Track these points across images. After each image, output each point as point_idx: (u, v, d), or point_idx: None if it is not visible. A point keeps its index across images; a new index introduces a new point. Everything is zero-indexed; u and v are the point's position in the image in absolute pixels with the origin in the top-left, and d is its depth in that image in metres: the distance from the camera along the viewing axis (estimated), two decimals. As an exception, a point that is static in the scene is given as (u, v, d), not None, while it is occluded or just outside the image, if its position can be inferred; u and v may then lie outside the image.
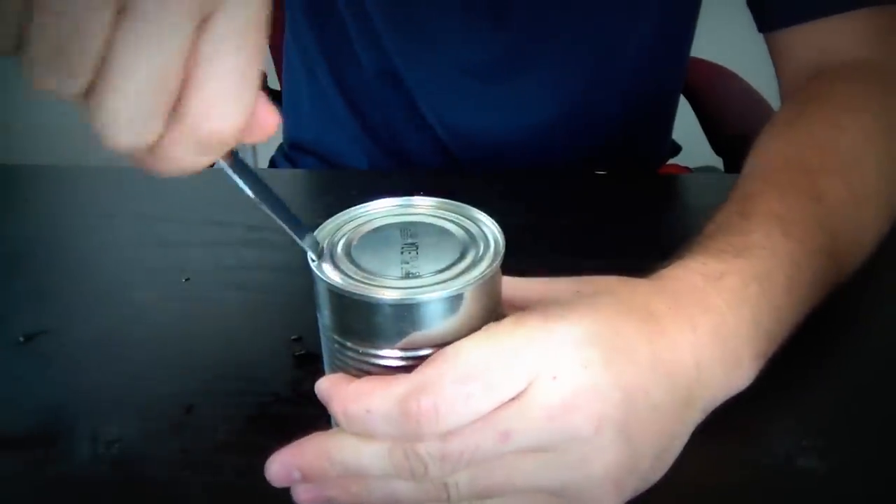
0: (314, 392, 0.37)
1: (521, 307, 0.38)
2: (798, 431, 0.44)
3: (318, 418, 0.38)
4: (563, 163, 0.83)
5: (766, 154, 0.56)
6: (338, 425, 0.37)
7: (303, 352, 0.51)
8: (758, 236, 0.46)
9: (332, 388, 0.36)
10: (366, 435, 0.36)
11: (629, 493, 0.38)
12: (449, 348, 0.35)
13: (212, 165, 0.35)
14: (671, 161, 0.99)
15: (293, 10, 0.87)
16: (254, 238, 0.64)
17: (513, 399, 0.35)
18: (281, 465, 0.37)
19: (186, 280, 0.59)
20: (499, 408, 0.35)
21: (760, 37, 0.71)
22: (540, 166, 0.83)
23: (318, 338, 0.39)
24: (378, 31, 0.78)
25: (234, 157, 0.36)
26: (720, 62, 1.10)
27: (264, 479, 0.37)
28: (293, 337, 0.53)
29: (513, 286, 0.40)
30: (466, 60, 0.78)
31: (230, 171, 0.35)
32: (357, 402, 0.35)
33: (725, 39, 1.17)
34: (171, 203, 0.70)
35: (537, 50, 0.77)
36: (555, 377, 0.35)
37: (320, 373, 0.40)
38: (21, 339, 0.54)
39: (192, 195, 0.71)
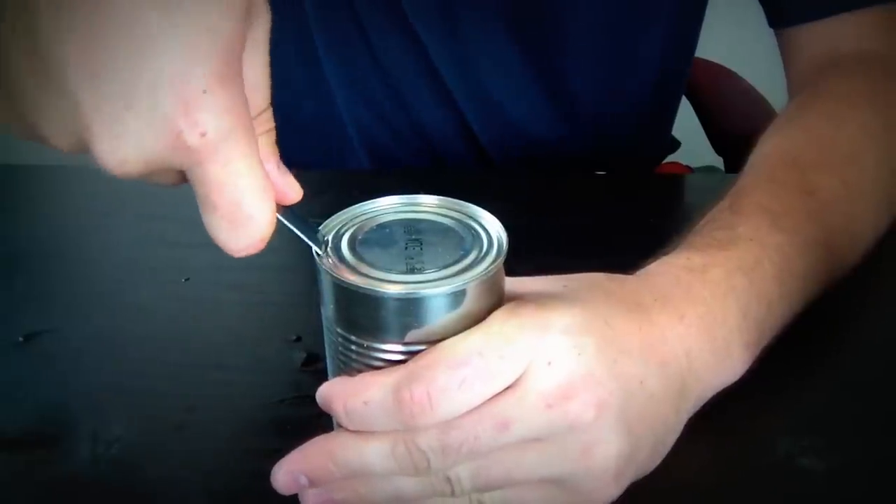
0: (314, 393, 0.37)
1: None
2: (798, 431, 0.44)
3: (318, 418, 0.38)
4: (568, 152, 0.83)
5: (765, 151, 0.56)
6: (340, 426, 0.37)
7: (303, 352, 0.51)
8: (745, 229, 0.46)
9: (331, 387, 0.37)
10: (367, 429, 0.36)
11: (626, 483, 0.39)
12: (443, 341, 0.35)
13: None
14: (672, 158, 0.99)
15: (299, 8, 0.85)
16: (254, 238, 0.64)
17: (509, 388, 0.35)
18: (286, 473, 0.37)
19: (186, 280, 0.59)
20: (496, 397, 0.35)
21: (761, 36, 0.71)
22: (553, 153, 0.83)
23: (319, 338, 0.39)
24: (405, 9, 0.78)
25: None
26: (720, 62, 1.10)
27: (264, 479, 0.37)
28: (293, 337, 0.53)
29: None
30: (496, 33, 0.77)
31: None
32: (356, 396, 0.35)
33: (725, 39, 1.17)
34: (171, 203, 0.70)
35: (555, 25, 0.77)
36: (550, 363, 0.35)
37: (321, 373, 0.40)
38: (21, 339, 0.54)
39: (192, 195, 0.71)
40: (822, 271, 0.49)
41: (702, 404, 0.42)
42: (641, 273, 0.44)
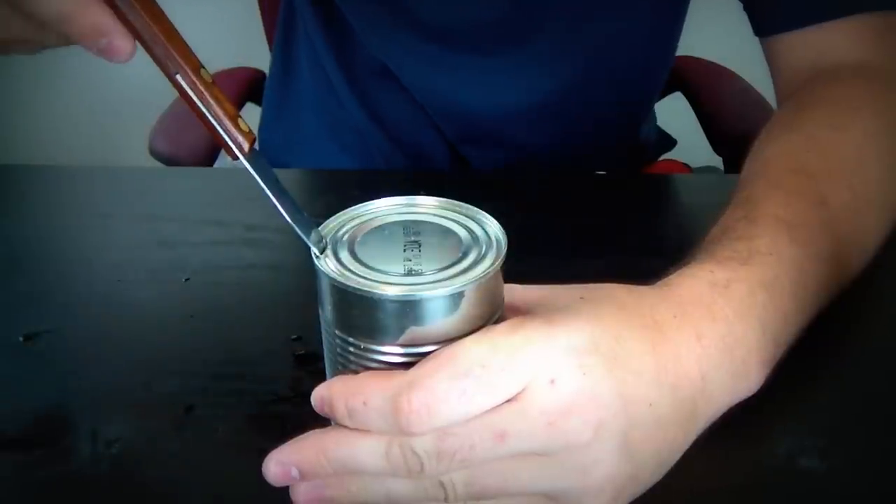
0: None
1: (523, 313, 0.38)
2: (800, 431, 0.45)
3: (317, 418, 0.38)
4: (548, 151, 0.84)
5: (768, 157, 0.55)
6: (336, 424, 0.37)
7: (303, 352, 0.51)
8: (764, 242, 0.46)
9: (331, 387, 0.36)
10: (363, 429, 0.36)
11: (626, 501, 0.38)
12: (445, 348, 0.35)
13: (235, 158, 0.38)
14: (670, 156, 0.99)
15: (301, 8, 0.86)
16: (253, 238, 0.64)
17: (510, 400, 0.35)
18: (278, 464, 0.36)
19: (186, 280, 0.59)
20: (495, 408, 0.35)
21: (759, 37, 0.71)
22: (526, 154, 0.83)
23: (318, 337, 0.39)
24: (349, 19, 0.78)
25: (253, 153, 0.38)
26: (720, 61, 1.10)
27: (264, 479, 0.37)
28: (293, 337, 0.53)
29: (515, 292, 0.39)
30: (450, 34, 0.78)
31: (248, 165, 0.37)
32: (356, 396, 0.35)
33: (725, 39, 1.17)
34: (171, 203, 0.70)
35: (529, 28, 0.77)
36: (553, 381, 0.35)
37: (320, 372, 0.40)
38: (21, 339, 0.54)
39: (192, 195, 0.71)
40: (831, 283, 0.48)
41: (712, 422, 0.42)
42: (662, 285, 0.43)
